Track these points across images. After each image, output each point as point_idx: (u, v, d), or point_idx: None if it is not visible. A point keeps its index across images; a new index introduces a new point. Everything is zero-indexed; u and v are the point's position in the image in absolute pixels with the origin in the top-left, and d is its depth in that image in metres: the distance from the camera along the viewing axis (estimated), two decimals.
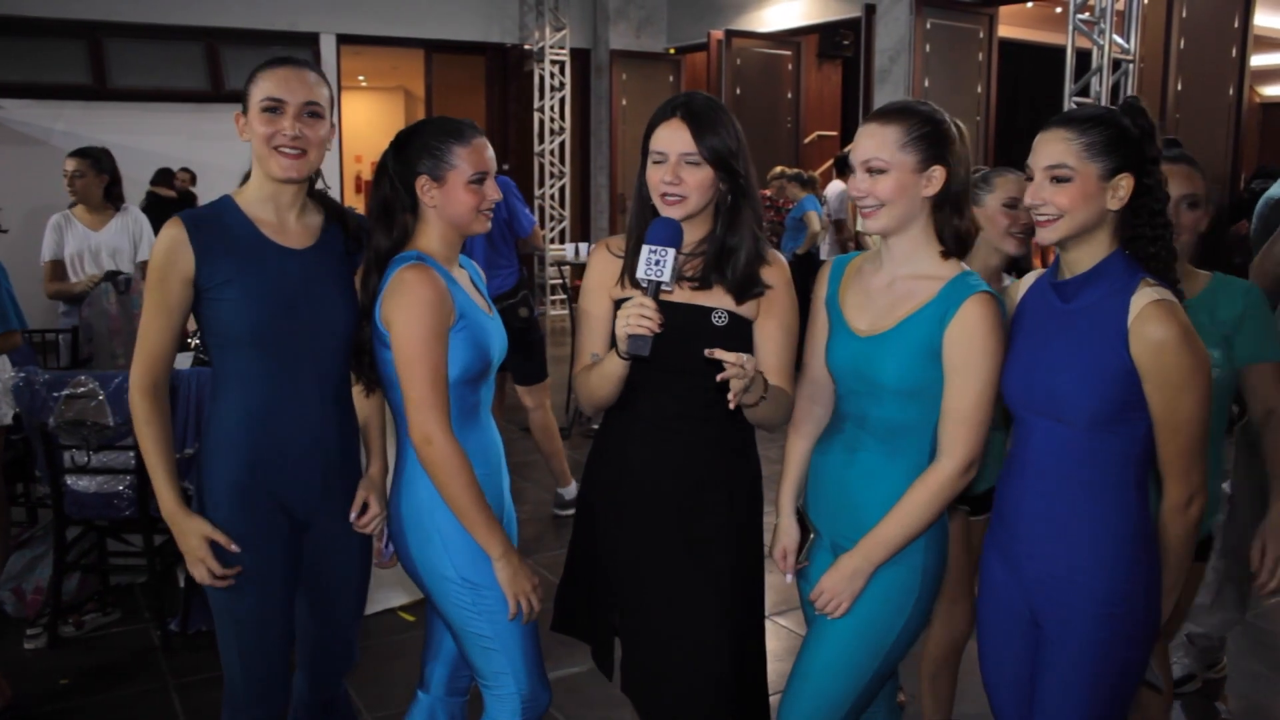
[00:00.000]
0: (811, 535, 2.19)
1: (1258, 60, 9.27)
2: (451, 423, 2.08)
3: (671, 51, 11.69)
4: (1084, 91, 6.64)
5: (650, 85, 11.43)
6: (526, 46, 11.22)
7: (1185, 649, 3.50)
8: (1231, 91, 7.26)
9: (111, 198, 5.30)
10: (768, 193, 8.64)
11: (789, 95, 10.82)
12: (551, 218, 11.33)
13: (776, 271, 2.18)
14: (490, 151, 2.20)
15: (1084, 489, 1.93)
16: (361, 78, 15.25)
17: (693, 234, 2.14)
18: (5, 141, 9.04)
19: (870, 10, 8.90)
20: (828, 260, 2.28)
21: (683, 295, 2.14)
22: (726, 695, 2.17)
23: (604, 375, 2.11)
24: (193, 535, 2.10)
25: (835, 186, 8.82)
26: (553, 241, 11.04)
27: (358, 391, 2.32)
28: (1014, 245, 2.70)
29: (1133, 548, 1.91)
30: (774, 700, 2.23)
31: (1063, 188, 1.89)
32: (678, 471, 2.18)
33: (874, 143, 2.02)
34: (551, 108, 11.11)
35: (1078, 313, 1.93)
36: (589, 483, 2.32)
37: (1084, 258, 1.93)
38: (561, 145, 11.18)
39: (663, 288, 1.96)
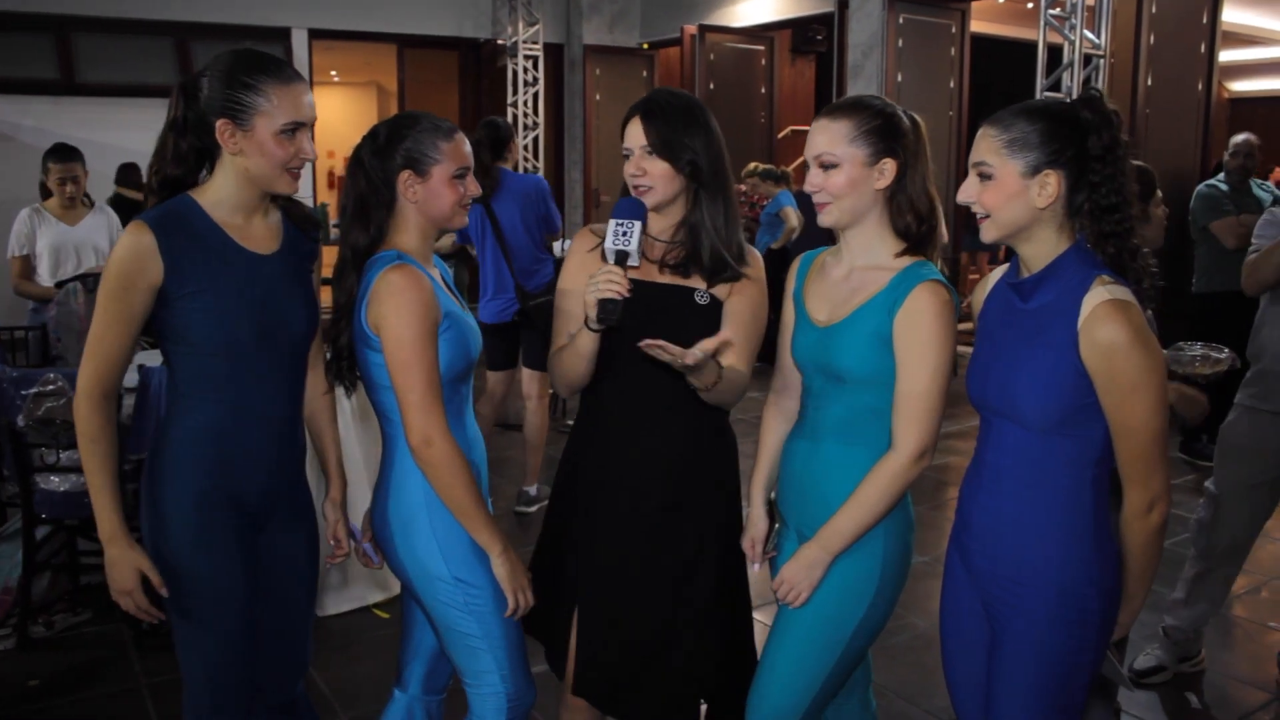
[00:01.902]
0: (776, 525, 2.21)
1: (1226, 55, 9.36)
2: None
3: (645, 46, 11.66)
4: (1055, 86, 6.68)
5: (624, 80, 11.40)
6: (499, 41, 11.17)
7: (1159, 641, 3.53)
8: (1200, 86, 7.32)
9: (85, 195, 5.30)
10: (742, 188, 8.65)
11: (762, 90, 10.83)
12: None
13: (751, 265, 2.24)
14: (469, 146, 2.19)
15: (1038, 490, 1.90)
16: (334, 73, 15.14)
17: (670, 222, 2.23)
18: None
19: (843, 5, 8.91)
20: (798, 255, 2.31)
21: (664, 278, 2.21)
22: (706, 692, 2.20)
23: (576, 352, 2.14)
24: (127, 566, 2.03)
25: None
26: None
27: (314, 408, 2.31)
28: None
29: (1086, 551, 1.89)
30: None
31: (987, 186, 1.87)
32: (664, 454, 2.21)
33: (825, 137, 2.05)
34: (525, 103, 11.07)
35: (1033, 313, 1.89)
36: (570, 467, 2.34)
37: (1035, 256, 1.91)
38: (535, 140, 11.13)
39: (630, 260, 2.03)
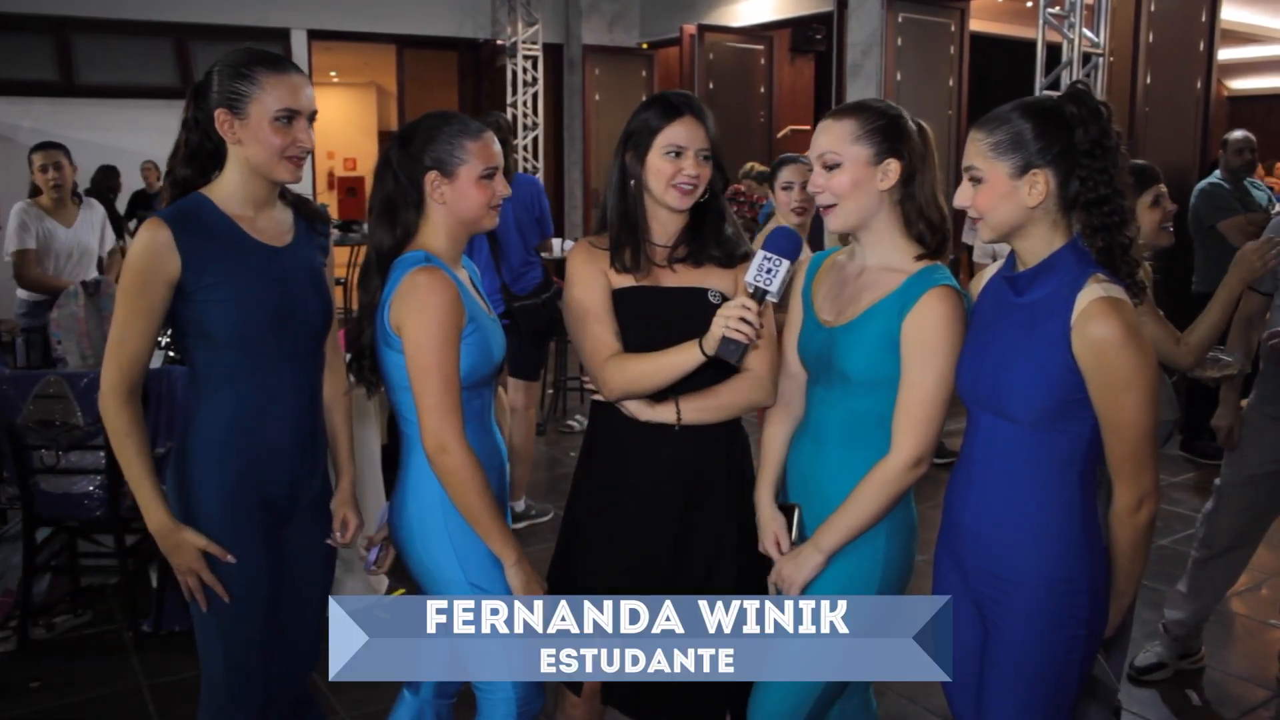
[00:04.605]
0: (797, 511, 2.16)
1: (1225, 54, 9.35)
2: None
3: (644, 46, 11.65)
4: (1054, 85, 6.67)
5: (623, 80, 11.39)
6: (499, 42, 11.16)
7: (1160, 637, 3.54)
8: (1199, 85, 7.31)
9: (75, 191, 5.32)
10: (740, 188, 8.65)
11: (762, 90, 10.83)
12: None
13: (748, 244, 2.28)
14: (497, 145, 2.17)
15: (1026, 487, 1.90)
16: (333, 73, 15.14)
17: (679, 224, 2.24)
18: None
19: (842, 5, 8.91)
20: (806, 255, 2.30)
21: (676, 279, 2.21)
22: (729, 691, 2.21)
23: (673, 366, 2.08)
24: (188, 549, 2.05)
25: None
26: None
27: (330, 405, 2.32)
28: None
29: (1075, 549, 1.88)
30: None
31: (979, 189, 1.87)
32: (686, 461, 2.20)
33: (828, 138, 2.05)
34: (524, 103, 11.06)
35: (1026, 307, 1.89)
36: (586, 479, 2.33)
37: (1032, 251, 1.90)
38: (535, 141, 11.13)
39: (769, 297, 1.95)
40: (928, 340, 1.97)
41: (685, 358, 2.04)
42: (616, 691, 2.25)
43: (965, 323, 2.01)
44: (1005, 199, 1.86)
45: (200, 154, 2.12)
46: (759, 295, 1.95)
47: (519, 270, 4.90)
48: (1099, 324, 1.77)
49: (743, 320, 1.91)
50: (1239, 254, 2.97)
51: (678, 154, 2.16)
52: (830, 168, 2.04)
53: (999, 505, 1.93)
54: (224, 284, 2.05)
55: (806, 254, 2.29)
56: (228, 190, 2.11)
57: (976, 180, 1.88)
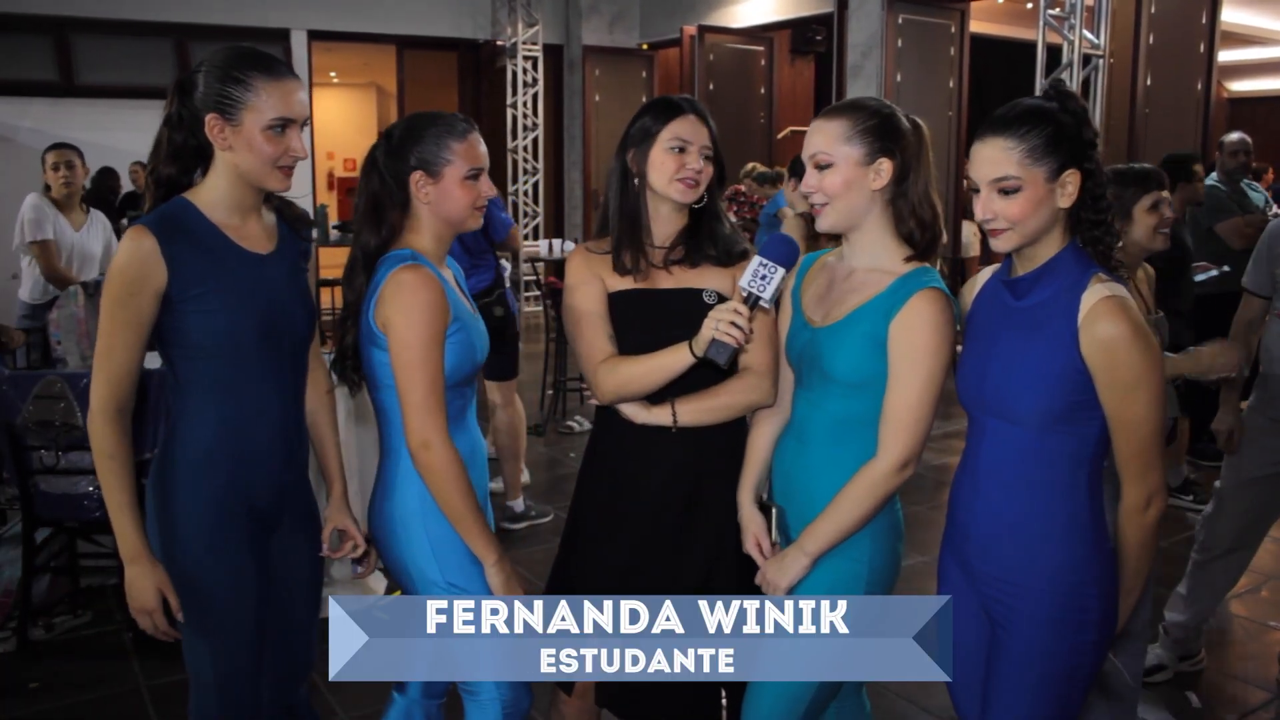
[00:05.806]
0: (774, 511, 2.16)
1: (1225, 55, 9.36)
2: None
3: (644, 47, 11.67)
4: None
5: (623, 81, 11.41)
6: (499, 42, 11.18)
7: (1160, 639, 3.54)
8: (1200, 86, 7.32)
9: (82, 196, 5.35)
10: (741, 188, 8.65)
11: (762, 91, 10.84)
12: (525, 214, 11.30)
13: (745, 244, 2.28)
14: (483, 146, 2.16)
15: (1033, 490, 1.89)
16: (333, 74, 15.14)
17: (679, 224, 2.24)
18: None
19: (842, 6, 8.92)
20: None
21: (673, 280, 2.20)
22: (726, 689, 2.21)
23: (664, 368, 2.08)
24: (149, 586, 2.01)
25: None
26: (526, 238, 11.01)
27: (315, 409, 2.30)
28: None
29: (1083, 551, 1.88)
30: None
31: (1013, 199, 1.83)
32: (689, 463, 2.20)
33: (820, 137, 2.03)
34: (524, 104, 11.08)
35: (1029, 310, 1.89)
36: (589, 481, 2.32)
37: (1037, 255, 1.89)
38: (535, 141, 11.14)
39: (761, 303, 1.95)
40: (915, 343, 1.96)
41: (675, 359, 2.05)
42: (610, 693, 2.25)
43: (953, 326, 2.00)
44: (1042, 204, 1.83)
45: (184, 152, 2.06)
46: (751, 301, 1.95)
47: (465, 273, 4.75)
48: (1108, 323, 1.77)
49: (733, 324, 1.91)
50: (1198, 352, 2.82)
51: (681, 149, 2.15)
52: (822, 168, 2.02)
53: (1008, 510, 1.92)
54: (210, 294, 2.00)
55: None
56: (214, 196, 2.05)
57: (1011, 191, 1.83)
